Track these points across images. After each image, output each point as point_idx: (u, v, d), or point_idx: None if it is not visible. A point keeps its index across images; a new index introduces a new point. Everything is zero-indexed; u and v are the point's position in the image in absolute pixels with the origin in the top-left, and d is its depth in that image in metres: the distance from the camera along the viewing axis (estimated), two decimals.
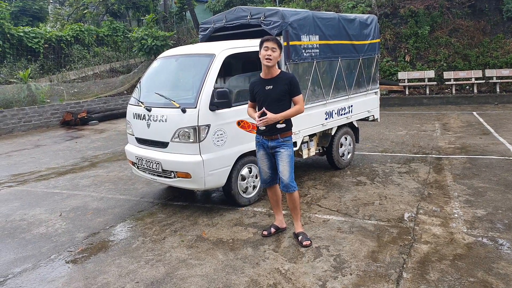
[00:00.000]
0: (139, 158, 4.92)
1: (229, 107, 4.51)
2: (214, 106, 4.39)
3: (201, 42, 6.03)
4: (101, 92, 15.98)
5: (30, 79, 14.01)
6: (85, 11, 25.76)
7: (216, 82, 5.52)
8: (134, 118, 5.01)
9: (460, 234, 3.90)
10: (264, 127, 3.76)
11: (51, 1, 29.57)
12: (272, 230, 4.07)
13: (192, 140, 4.36)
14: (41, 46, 17.44)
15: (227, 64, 5.33)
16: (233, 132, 4.61)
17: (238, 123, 4.65)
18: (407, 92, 13.86)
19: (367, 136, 8.62)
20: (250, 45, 4.98)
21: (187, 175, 4.44)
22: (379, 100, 7.22)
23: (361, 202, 4.86)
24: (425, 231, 4.00)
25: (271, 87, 3.73)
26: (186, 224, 4.44)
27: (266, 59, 3.63)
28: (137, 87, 5.35)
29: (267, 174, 3.98)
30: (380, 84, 7.61)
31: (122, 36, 21.40)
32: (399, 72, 14.28)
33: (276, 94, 3.71)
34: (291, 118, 3.82)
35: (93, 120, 13.08)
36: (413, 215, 4.41)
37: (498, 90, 12.91)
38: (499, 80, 12.92)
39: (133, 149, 5.09)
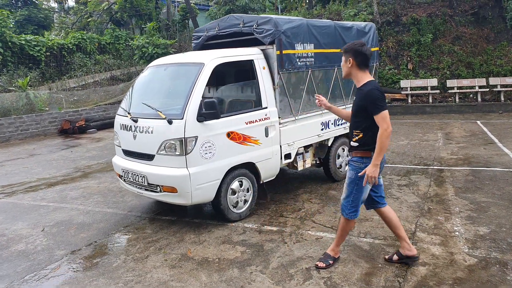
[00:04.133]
0: (125, 170, 4.73)
1: (218, 118, 4.31)
2: (202, 117, 4.20)
3: (194, 51, 5.88)
4: (100, 100, 15.88)
5: (29, 87, 13.95)
6: (89, 19, 25.88)
7: (209, 91, 5.32)
8: (121, 129, 4.84)
9: (461, 254, 3.65)
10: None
11: (56, 9, 29.81)
12: (395, 257, 3.56)
13: (178, 153, 4.16)
14: (42, 54, 17.43)
15: (219, 73, 5.15)
16: (222, 144, 4.40)
17: (228, 134, 4.45)
18: (409, 101, 13.62)
19: None
20: (241, 53, 4.81)
21: (173, 190, 4.23)
22: None
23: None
24: (424, 250, 3.76)
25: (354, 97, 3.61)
26: (172, 241, 4.22)
27: None
28: (126, 97, 5.19)
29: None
30: None
31: (124, 44, 21.40)
32: (401, 80, 14.04)
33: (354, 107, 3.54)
34: (371, 135, 3.33)
35: (91, 128, 12.95)
36: (411, 232, 4.17)
37: (502, 98, 12.64)
38: (504, 89, 12.64)
39: (120, 161, 4.91)
